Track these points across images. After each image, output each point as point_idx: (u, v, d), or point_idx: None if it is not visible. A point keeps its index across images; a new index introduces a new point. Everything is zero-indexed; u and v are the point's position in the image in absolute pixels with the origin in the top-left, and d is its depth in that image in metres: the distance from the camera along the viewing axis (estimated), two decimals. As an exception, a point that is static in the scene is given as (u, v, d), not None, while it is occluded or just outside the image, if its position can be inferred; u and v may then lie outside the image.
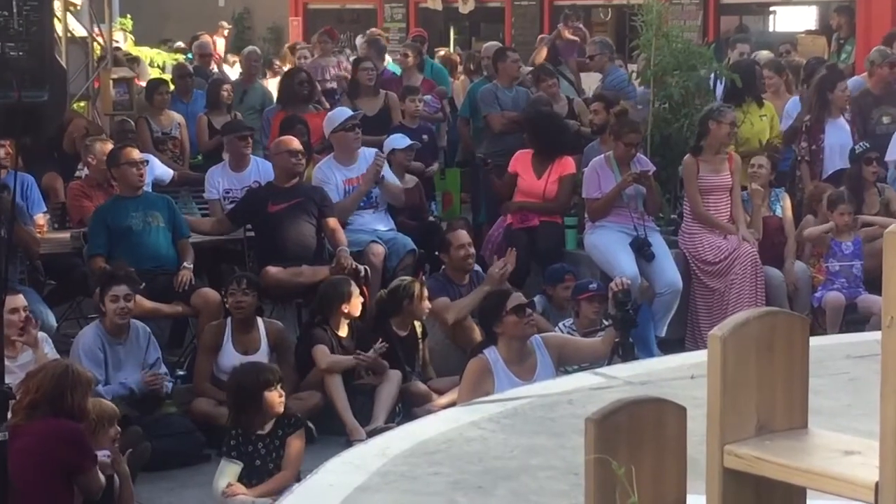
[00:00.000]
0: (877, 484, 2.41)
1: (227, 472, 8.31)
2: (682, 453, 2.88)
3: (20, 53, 5.72)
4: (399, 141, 12.95)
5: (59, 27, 13.96)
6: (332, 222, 11.42)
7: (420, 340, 10.60)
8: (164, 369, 9.86)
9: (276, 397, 8.34)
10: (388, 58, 17.64)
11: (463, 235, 11.22)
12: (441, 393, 10.16)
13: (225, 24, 25.04)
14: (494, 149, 13.89)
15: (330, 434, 9.58)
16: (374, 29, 20.44)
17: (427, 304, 10.42)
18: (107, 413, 7.62)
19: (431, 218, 13.39)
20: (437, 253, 11.65)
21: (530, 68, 15.90)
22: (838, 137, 13.16)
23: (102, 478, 7.16)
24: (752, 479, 2.58)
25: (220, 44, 20.00)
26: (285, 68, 18.06)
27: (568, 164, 12.32)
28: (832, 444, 2.60)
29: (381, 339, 10.02)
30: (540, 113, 13.28)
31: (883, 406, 2.36)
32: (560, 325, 10.23)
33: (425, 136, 13.82)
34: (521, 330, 9.24)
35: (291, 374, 9.95)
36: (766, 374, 2.61)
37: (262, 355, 10.04)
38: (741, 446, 2.56)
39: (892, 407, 2.27)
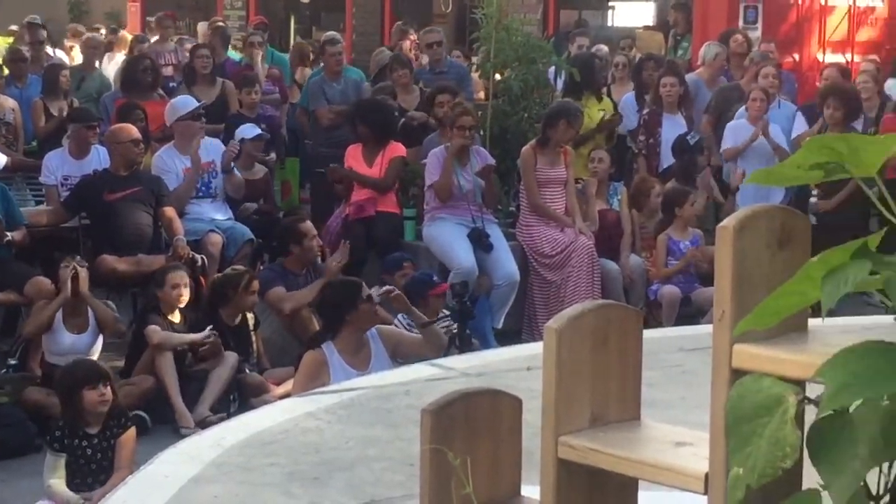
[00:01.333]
0: (706, 475, 2.45)
1: (54, 466, 8.19)
2: (518, 444, 2.90)
3: None
4: (248, 130, 12.87)
5: None
6: (169, 212, 11.34)
7: (252, 331, 10.55)
8: None
9: (94, 397, 8.17)
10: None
11: (311, 227, 11.24)
12: (278, 383, 10.12)
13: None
14: (324, 141, 13.90)
15: (164, 423, 9.52)
16: (216, 17, 20.31)
17: (254, 297, 10.38)
18: None
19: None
20: (273, 243, 11.63)
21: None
22: (675, 132, 13.35)
23: None
24: (585, 470, 2.61)
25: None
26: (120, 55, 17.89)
27: (398, 149, 12.32)
28: (664, 435, 2.63)
29: (210, 328, 9.99)
30: (369, 101, 13.30)
31: (713, 399, 2.40)
32: (399, 317, 10.20)
33: (264, 126, 13.70)
34: (373, 319, 9.27)
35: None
36: (601, 366, 2.63)
37: (91, 334, 10.07)
38: (575, 437, 2.58)
39: (721, 400, 2.31)
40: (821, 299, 2.14)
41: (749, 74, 14.46)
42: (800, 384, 2.25)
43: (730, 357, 2.38)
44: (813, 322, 2.47)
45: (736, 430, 2.16)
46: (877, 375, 2.02)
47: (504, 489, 2.83)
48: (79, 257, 10.30)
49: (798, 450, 2.14)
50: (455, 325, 10.30)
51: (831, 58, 17.91)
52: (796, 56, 18.20)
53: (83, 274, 9.84)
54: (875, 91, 14.14)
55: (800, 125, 13.51)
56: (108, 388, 8.28)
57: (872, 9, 19.10)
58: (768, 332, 2.33)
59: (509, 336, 11.18)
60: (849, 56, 18.22)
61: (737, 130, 13.20)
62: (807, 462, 2.17)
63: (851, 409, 2.07)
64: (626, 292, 11.98)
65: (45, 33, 17.01)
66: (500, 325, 11.40)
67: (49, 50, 16.91)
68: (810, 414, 2.17)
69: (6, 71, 14.95)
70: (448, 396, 2.86)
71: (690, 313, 11.73)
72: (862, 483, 2.10)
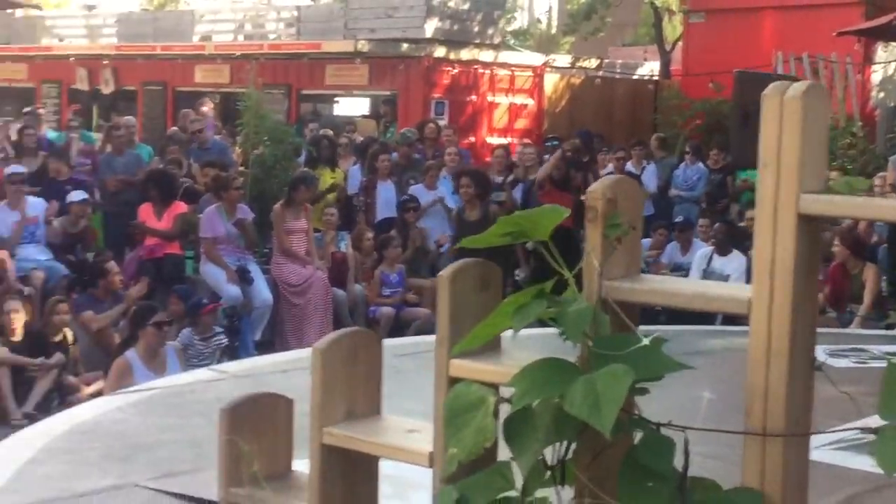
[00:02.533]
0: (431, 453, 2.51)
1: None
2: (290, 433, 2.92)
3: None
4: (76, 195, 12.48)
5: None
6: (2, 253, 10.96)
7: (70, 344, 10.27)
8: None
9: None
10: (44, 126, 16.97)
11: (115, 265, 11.13)
12: (88, 384, 9.87)
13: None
14: (115, 202, 13.45)
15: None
16: (37, 105, 19.71)
17: (63, 317, 10.10)
18: None
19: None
20: (85, 277, 11.35)
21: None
22: (386, 194, 13.49)
23: None
24: (342, 451, 2.64)
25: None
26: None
27: (180, 206, 12.11)
28: (399, 425, 2.68)
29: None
30: (158, 171, 13.07)
31: (436, 398, 2.46)
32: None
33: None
34: (158, 340, 9.11)
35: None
36: (352, 375, 2.67)
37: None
38: (335, 428, 2.61)
39: (442, 399, 2.37)
40: (512, 327, 2.25)
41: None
42: (496, 387, 2.33)
43: (447, 369, 2.45)
44: (504, 337, 2.52)
45: (452, 422, 2.24)
46: (549, 382, 2.12)
47: (281, 467, 2.85)
48: None
49: (495, 435, 2.23)
50: (226, 339, 10.27)
51: (497, 140, 18.35)
52: (472, 138, 18.59)
53: None
54: (536, 161, 14.34)
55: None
56: None
57: (525, 105, 19.64)
58: (474, 350, 2.41)
59: (265, 346, 11.12)
60: (510, 138, 18.69)
61: (419, 192, 13.40)
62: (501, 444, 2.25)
63: (533, 405, 2.17)
64: (352, 312, 12.05)
65: None
66: (258, 338, 11.33)
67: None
68: (503, 408, 2.26)
69: None
70: (239, 399, 2.87)
71: (398, 327, 11.86)
72: (540, 457, 2.20)
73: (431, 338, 8.27)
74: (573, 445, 2.22)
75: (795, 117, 2.13)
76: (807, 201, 2.15)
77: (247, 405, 2.81)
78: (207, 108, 16.62)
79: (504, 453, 2.25)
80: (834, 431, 2.50)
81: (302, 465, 2.86)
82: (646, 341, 2.14)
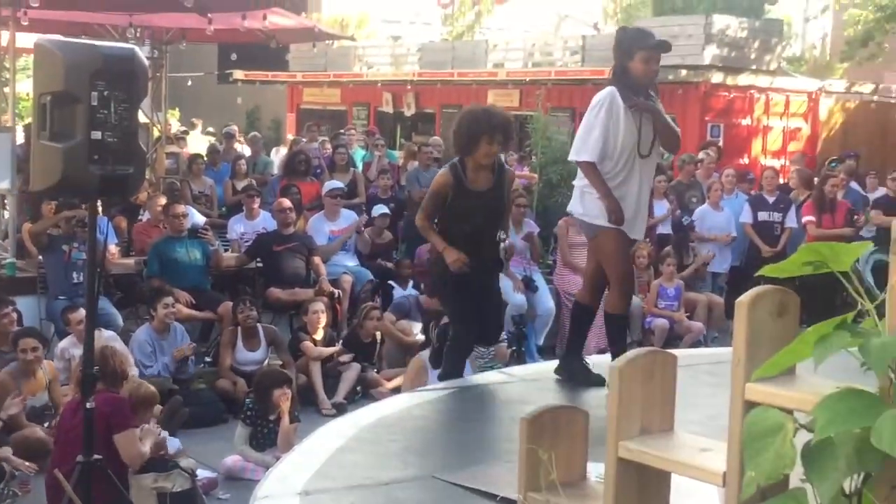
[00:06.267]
0: (724, 473, 2.41)
1: (244, 435, 8.21)
2: (585, 443, 2.86)
3: (115, 139, 5.67)
4: (378, 209, 12.81)
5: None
6: (317, 259, 11.37)
7: (378, 345, 10.55)
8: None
9: (280, 394, 8.16)
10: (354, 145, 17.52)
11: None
12: (389, 379, 10.11)
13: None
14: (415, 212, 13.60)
15: (309, 405, 9.52)
16: (350, 125, 20.42)
17: (374, 322, 10.40)
18: (148, 395, 7.35)
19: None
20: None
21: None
22: (660, 212, 13.24)
23: (146, 449, 6.87)
24: (636, 465, 2.57)
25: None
26: (284, 149, 17.97)
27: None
28: (693, 443, 2.58)
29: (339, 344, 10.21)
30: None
31: (732, 421, 2.36)
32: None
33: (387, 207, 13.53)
34: None
35: (287, 359, 9.96)
36: (648, 393, 2.60)
37: (262, 351, 10.02)
38: (630, 442, 2.55)
39: (738, 422, 2.27)
40: (812, 357, 2.12)
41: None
42: (791, 413, 2.21)
43: (743, 392, 2.34)
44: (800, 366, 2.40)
45: (750, 445, 2.13)
46: (852, 413, 1.99)
47: (576, 476, 2.79)
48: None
49: (794, 462, 2.11)
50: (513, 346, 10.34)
51: (770, 162, 17.77)
52: (746, 160, 18.06)
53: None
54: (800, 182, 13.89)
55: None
56: (289, 389, 8.29)
57: (800, 128, 18.94)
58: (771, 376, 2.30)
59: (548, 351, 11.13)
60: (783, 160, 18.08)
61: (705, 213, 13.08)
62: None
63: (832, 435, 2.04)
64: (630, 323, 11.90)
65: (234, 135, 17.14)
66: (541, 343, 11.34)
67: (237, 146, 17.01)
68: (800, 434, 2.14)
69: (206, 159, 15.03)
70: (539, 409, 2.83)
71: (672, 337, 11.64)
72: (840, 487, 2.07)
73: (705, 350, 8.07)
74: (871, 475, 2.08)
75: None
76: None
77: (547, 415, 2.77)
78: None
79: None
80: None
81: (591, 467, 2.80)
82: (953, 376, 1.98)
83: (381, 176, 14.13)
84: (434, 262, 6.59)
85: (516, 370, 7.49)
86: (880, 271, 2.23)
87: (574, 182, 6.32)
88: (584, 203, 6.16)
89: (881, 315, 2.20)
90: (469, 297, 6.42)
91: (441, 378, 6.56)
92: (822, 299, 7.82)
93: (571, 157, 6.20)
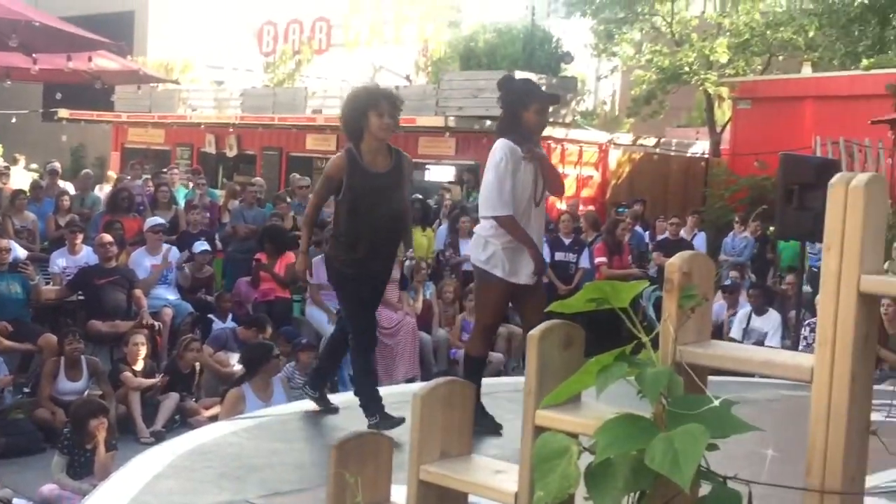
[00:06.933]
0: (516, 494, 2.44)
1: (61, 464, 7.88)
2: (389, 468, 2.86)
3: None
4: (199, 246, 12.50)
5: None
6: (138, 292, 11.08)
7: (197, 374, 10.33)
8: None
9: (97, 424, 7.86)
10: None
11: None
12: (207, 408, 9.91)
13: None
14: (241, 247, 13.45)
15: (127, 433, 9.24)
16: (172, 165, 19.97)
17: (193, 353, 10.20)
18: None
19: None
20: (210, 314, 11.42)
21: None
22: (465, 249, 13.40)
23: None
24: (436, 488, 2.58)
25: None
26: (107, 186, 17.41)
27: (290, 256, 12.01)
28: (488, 465, 2.62)
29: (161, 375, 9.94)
30: (273, 227, 13.08)
31: (523, 445, 2.39)
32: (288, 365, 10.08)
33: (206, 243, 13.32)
34: (277, 370, 9.18)
35: (108, 389, 9.64)
36: (447, 419, 2.62)
37: (84, 382, 9.66)
38: (430, 466, 2.56)
39: (528, 446, 2.31)
40: (595, 386, 2.18)
41: None
42: (577, 437, 2.26)
43: (533, 418, 2.39)
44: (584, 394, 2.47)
45: (539, 467, 2.17)
46: (629, 437, 2.06)
47: (381, 497, 2.79)
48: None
49: (578, 481, 2.16)
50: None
51: (564, 206, 18.20)
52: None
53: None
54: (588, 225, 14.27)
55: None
56: (105, 418, 8.01)
57: (591, 176, 19.50)
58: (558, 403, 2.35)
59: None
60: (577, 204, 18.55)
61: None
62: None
63: (612, 456, 2.10)
64: (435, 353, 11.99)
65: (58, 172, 16.51)
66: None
67: (60, 183, 16.36)
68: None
69: (29, 194, 14.43)
70: (347, 436, 2.81)
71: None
72: (618, 504, 2.13)
73: (504, 379, 8.16)
74: (646, 493, 2.15)
75: (859, 204, 2.06)
76: (867, 281, 2.06)
77: (354, 441, 2.76)
78: None
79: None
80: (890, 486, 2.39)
81: (396, 490, 2.81)
82: (717, 402, 2.07)
83: (191, 211, 13.81)
84: (330, 259, 6.07)
85: (330, 398, 7.44)
86: (661, 307, 2.32)
87: (475, 229, 6.08)
88: (487, 251, 5.88)
89: (656, 347, 2.29)
90: (366, 292, 5.97)
91: (354, 376, 6.27)
92: (608, 333, 8.01)
93: (486, 213, 5.86)
